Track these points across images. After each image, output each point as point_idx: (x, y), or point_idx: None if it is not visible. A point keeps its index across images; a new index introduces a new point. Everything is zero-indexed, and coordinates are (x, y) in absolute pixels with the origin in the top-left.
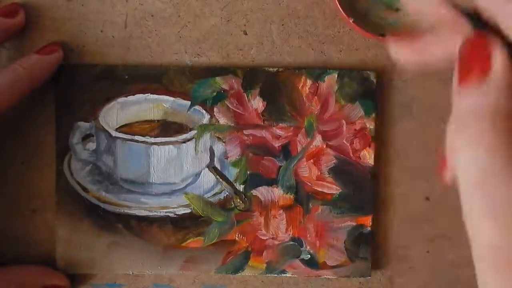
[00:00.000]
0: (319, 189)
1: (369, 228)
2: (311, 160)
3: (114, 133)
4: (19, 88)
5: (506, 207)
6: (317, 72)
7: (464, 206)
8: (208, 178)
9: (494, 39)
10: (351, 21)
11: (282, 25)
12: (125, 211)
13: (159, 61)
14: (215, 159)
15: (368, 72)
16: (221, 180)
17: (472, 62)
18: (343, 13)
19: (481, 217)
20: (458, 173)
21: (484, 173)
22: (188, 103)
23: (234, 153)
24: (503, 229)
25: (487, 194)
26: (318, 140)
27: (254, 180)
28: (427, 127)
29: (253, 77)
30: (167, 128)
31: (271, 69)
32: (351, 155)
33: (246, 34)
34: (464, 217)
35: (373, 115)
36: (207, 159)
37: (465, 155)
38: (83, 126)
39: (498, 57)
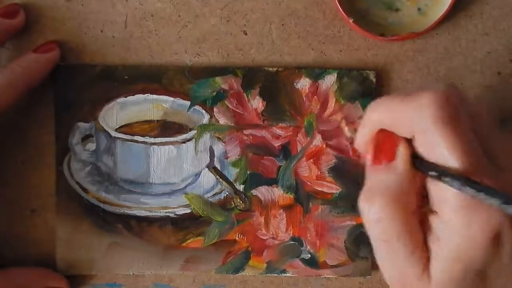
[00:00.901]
0: (319, 189)
1: None
2: (311, 160)
3: (114, 134)
4: (17, 87)
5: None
6: (316, 72)
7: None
8: (208, 178)
9: (401, 137)
10: (351, 21)
11: (282, 25)
12: (125, 211)
13: (159, 61)
14: (215, 159)
15: (368, 71)
16: (221, 180)
17: (383, 149)
18: (343, 13)
19: (382, 264)
20: (367, 228)
21: (383, 238)
22: (188, 103)
23: (234, 153)
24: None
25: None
26: (318, 140)
27: (254, 180)
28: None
29: (253, 77)
30: (167, 128)
31: (270, 69)
32: (351, 154)
33: (246, 34)
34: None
35: None
36: (207, 159)
37: (371, 220)
38: (83, 126)
39: (401, 150)
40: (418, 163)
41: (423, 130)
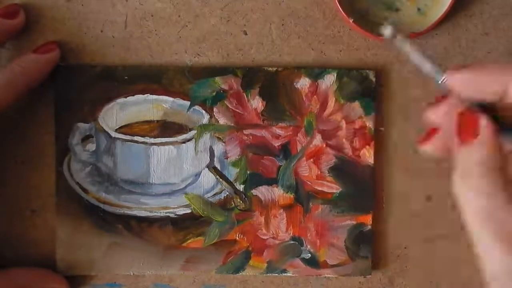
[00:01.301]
0: (319, 188)
1: (369, 227)
2: (311, 159)
3: (113, 134)
4: (16, 87)
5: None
6: (316, 72)
7: (473, 236)
8: (208, 178)
9: (480, 112)
10: (351, 21)
11: (282, 25)
12: (125, 211)
13: (159, 61)
14: (215, 159)
15: (367, 71)
16: (221, 180)
17: (466, 128)
18: (343, 13)
19: (492, 245)
20: (465, 210)
21: (489, 210)
22: (188, 103)
23: (234, 153)
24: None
25: (493, 226)
26: (317, 139)
27: (254, 179)
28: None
29: (253, 76)
30: (167, 128)
31: (270, 69)
32: (351, 154)
33: (246, 34)
34: (476, 244)
35: (373, 114)
36: (207, 159)
37: (472, 198)
38: (83, 127)
39: (483, 124)
40: (504, 132)
41: None
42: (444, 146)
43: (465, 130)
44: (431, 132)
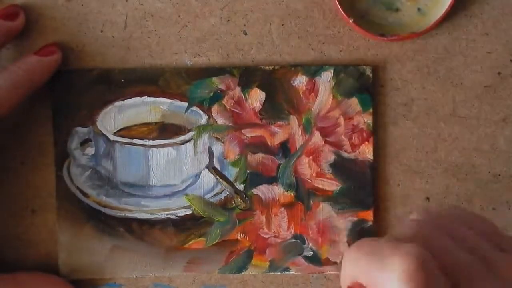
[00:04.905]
0: (320, 186)
1: (370, 223)
2: (310, 157)
3: (112, 137)
4: (19, 91)
5: None
6: (313, 69)
7: None
8: (208, 179)
9: None
10: (351, 21)
11: (282, 25)
12: (126, 214)
13: (159, 61)
14: (214, 159)
15: (364, 67)
16: (221, 180)
17: None
18: (343, 13)
19: None
20: None
21: None
22: (185, 104)
23: (233, 152)
24: None
25: None
26: (316, 137)
27: (254, 179)
28: (426, 126)
29: (250, 76)
30: (165, 130)
31: (267, 68)
32: (350, 150)
33: (246, 34)
34: None
35: (370, 109)
36: (206, 160)
37: None
38: (81, 131)
39: None
40: None
41: None
42: None
43: None
44: None
